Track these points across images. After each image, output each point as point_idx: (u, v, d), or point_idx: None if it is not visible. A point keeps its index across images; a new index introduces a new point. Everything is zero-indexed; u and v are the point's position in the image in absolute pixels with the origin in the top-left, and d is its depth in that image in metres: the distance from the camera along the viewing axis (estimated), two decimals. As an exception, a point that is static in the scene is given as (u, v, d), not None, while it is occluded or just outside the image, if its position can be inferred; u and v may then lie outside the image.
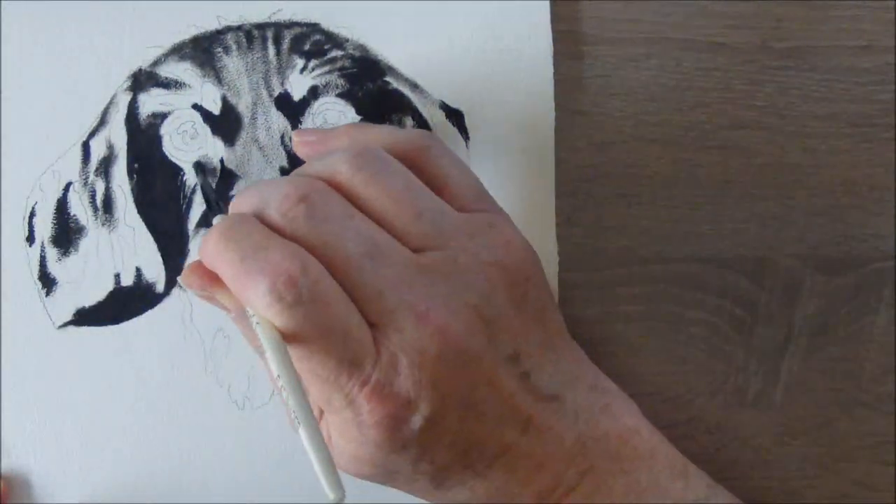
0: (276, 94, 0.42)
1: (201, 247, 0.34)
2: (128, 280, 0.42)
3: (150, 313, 0.42)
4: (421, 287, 0.33)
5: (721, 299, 0.44)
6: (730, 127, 0.44)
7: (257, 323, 0.33)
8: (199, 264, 0.35)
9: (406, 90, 0.43)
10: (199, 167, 0.41)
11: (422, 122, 0.42)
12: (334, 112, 0.42)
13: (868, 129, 0.44)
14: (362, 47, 0.42)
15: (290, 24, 0.42)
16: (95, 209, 0.42)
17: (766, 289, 0.45)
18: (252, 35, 0.42)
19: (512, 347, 0.35)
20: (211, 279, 0.34)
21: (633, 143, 0.44)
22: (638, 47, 0.43)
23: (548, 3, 0.42)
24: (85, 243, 0.42)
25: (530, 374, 0.35)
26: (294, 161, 0.41)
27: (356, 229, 0.34)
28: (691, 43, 0.43)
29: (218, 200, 0.39)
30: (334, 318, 0.32)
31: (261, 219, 0.34)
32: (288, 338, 0.32)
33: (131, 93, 0.42)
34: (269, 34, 0.42)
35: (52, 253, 0.42)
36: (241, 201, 0.35)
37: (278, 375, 0.32)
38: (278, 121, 0.42)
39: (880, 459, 0.45)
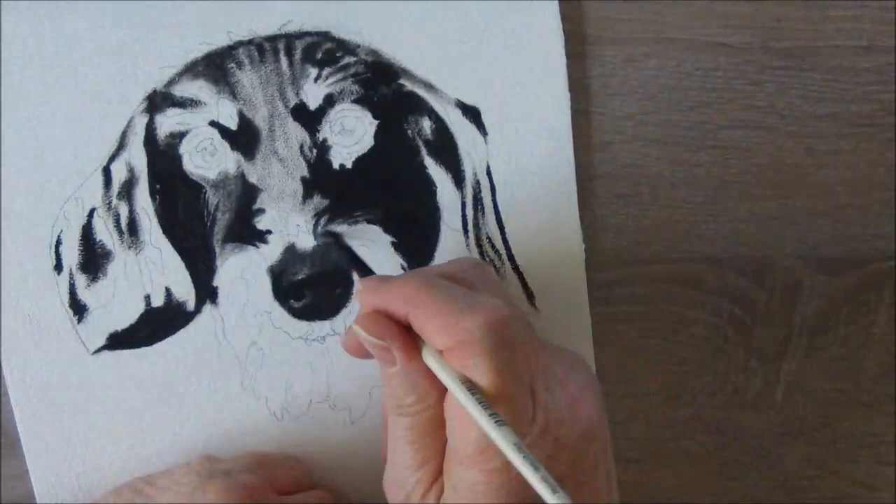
0: (291, 104, 0.42)
1: (382, 290, 0.35)
2: (158, 301, 0.42)
3: (182, 332, 0.42)
4: (556, 359, 0.36)
5: (721, 299, 0.45)
6: (730, 127, 0.44)
7: (442, 366, 0.33)
8: (377, 313, 0.35)
9: (421, 91, 0.43)
10: (335, 237, 0.42)
11: (439, 121, 0.43)
12: (351, 118, 0.42)
13: (868, 129, 0.43)
14: (374, 52, 0.42)
15: (301, 35, 0.42)
16: (121, 233, 0.42)
17: (766, 289, 0.45)
18: (264, 48, 0.42)
19: None
20: (393, 330, 0.35)
21: (633, 143, 0.44)
22: (638, 47, 0.43)
23: (556, 1, 0.42)
24: (113, 267, 0.42)
25: None
26: (314, 171, 0.42)
27: (511, 299, 0.36)
28: (691, 43, 0.43)
29: (367, 266, 0.40)
30: (524, 366, 0.33)
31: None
32: (479, 387, 0.32)
33: (148, 114, 0.42)
34: (281, 46, 0.42)
35: (80, 280, 0.42)
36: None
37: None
38: (296, 131, 0.42)
39: (880, 459, 0.45)
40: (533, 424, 0.33)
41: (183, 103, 0.42)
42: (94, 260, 0.42)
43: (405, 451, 0.35)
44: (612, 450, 0.37)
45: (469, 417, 0.32)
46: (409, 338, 0.35)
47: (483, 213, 0.43)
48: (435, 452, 0.35)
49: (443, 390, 0.34)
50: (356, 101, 0.43)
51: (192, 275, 0.42)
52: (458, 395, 0.32)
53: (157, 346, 0.42)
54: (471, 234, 0.43)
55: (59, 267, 0.42)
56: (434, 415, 0.35)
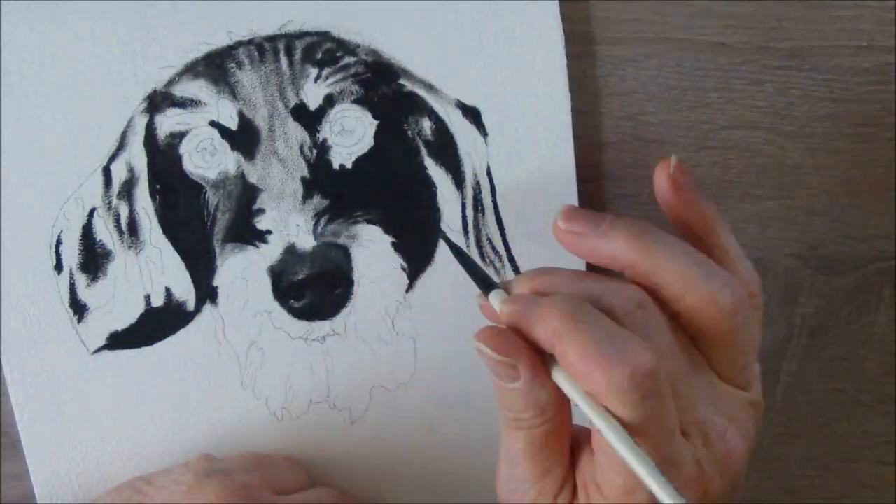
0: (291, 105, 0.42)
1: (526, 315, 0.33)
2: (158, 301, 0.42)
3: (182, 332, 0.42)
4: (722, 408, 0.35)
5: None
6: (730, 127, 0.44)
7: (594, 408, 0.32)
8: (507, 331, 0.34)
9: (421, 91, 0.43)
10: (453, 247, 0.39)
11: (439, 122, 0.43)
12: (351, 118, 0.42)
13: (868, 129, 0.44)
14: (374, 52, 0.42)
15: (301, 35, 0.42)
16: (121, 233, 0.42)
17: (766, 289, 0.45)
18: (263, 48, 0.42)
19: None
20: (521, 349, 0.33)
21: (633, 143, 0.44)
22: (638, 47, 0.43)
23: (557, 2, 0.42)
24: (113, 267, 0.42)
25: None
26: (314, 171, 0.42)
27: (679, 344, 0.34)
28: (691, 43, 0.43)
29: (489, 277, 0.37)
30: (671, 417, 0.32)
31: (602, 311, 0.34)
32: (628, 427, 0.32)
33: (148, 114, 0.42)
34: (281, 46, 0.42)
35: (81, 280, 0.42)
36: (564, 284, 0.35)
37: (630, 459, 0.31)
38: (296, 131, 0.42)
39: (880, 459, 0.46)
40: (679, 477, 0.33)
41: (183, 103, 0.42)
42: (94, 260, 0.42)
43: (524, 465, 0.34)
44: None
45: (618, 459, 0.31)
46: (536, 354, 0.33)
47: (483, 213, 0.43)
48: (556, 462, 0.34)
49: (562, 401, 0.33)
50: (356, 102, 0.43)
51: (192, 275, 0.42)
52: (598, 423, 0.32)
53: (157, 346, 0.42)
54: (471, 235, 0.43)
55: (59, 267, 0.42)
56: (553, 427, 0.34)
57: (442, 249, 0.43)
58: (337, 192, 0.42)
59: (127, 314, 0.42)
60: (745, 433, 0.35)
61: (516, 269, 0.43)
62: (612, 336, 0.32)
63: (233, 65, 0.42)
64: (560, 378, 0.33)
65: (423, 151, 0.43)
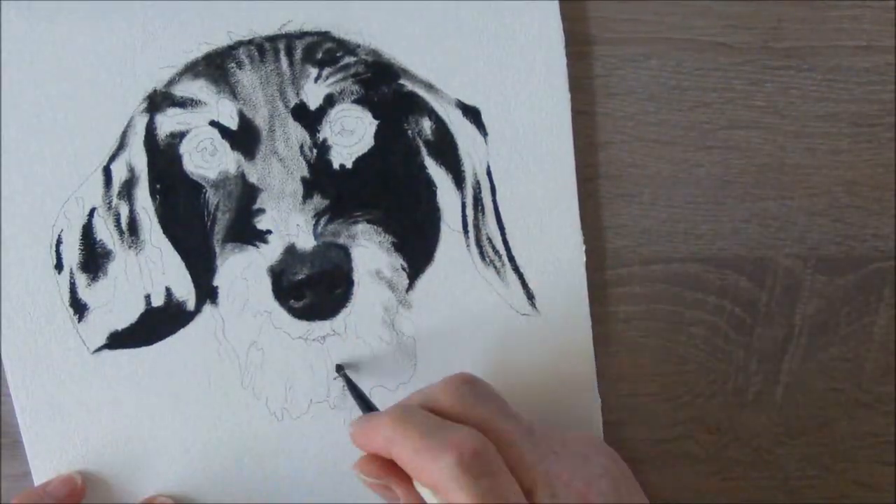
0: (292, 105, 0.42)
1: (367, 433, 0.36)
2: (158, 300, 0.42)
3: (182, 332, 0.43)
4: (563, 460, 0.37)
5: (721, 299, 0.45)
6: (730, 127, 0.44)
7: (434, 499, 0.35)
8: (373, 455, 0.37)
9: (421, 91, 0.43)
10: (339, 368, 0.43)
11: (439, 122, 0.43)
12: (351, 118, 0.42)
13: (868, 129, 0.44)
14: (374, 52, 0.42)
15: (301, 35, 0.42)
16: (121, 232, 0.42)
17: (766, 289, 0.45)
18: (264, 48, 0.42)
19: None
20: (388, 468, 0.37)
21: (633, 143, 0.44)
22: (638, 47, 0.43)
23: (557, 2, 0.42)
24: (113, 267, 0.42)
25: None
26: (315, 171, 0.42)
27: (508, 410, 0.37)
28: (691, 43, 0.43)
29: (369, 401, 0.41)
30: (507, 489, 0.34)
31: (429, 409, 0.37)
32: None
33: (148, 114, 0.42)
34: (281, 46, 0.42)
35: (81, 279, 0.42)
36: (406, 400, 0.38)
37: None
38: (296, 131, 0.42)
39: (880, 459, 0.45)
40: None
41: (183, 103, 0.42)
42: (94, 259, 0.42)
43: None
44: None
45: None
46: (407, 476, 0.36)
47: (483, 213, 0.43)
48: None
49: None
50: (356, 101, 0.43)
51: (192, 274, 0.43)
52: None
53: (157, 345, 0.43)
54: (471, 235, 0.43)
55: (59, 266, 0.42)
56: None
57: (441, 250, 0.43)
58: (337, 192, 0.42)
59: (127, 314, 0.42)
60: (596, 470, 0.37)
61: (516, 269, 0.43)
62: (437, 427, 0.35)
63: (233, 65, 0.42)
64: (418, 486, 0.36)
65: (423, 151, 0.43)
